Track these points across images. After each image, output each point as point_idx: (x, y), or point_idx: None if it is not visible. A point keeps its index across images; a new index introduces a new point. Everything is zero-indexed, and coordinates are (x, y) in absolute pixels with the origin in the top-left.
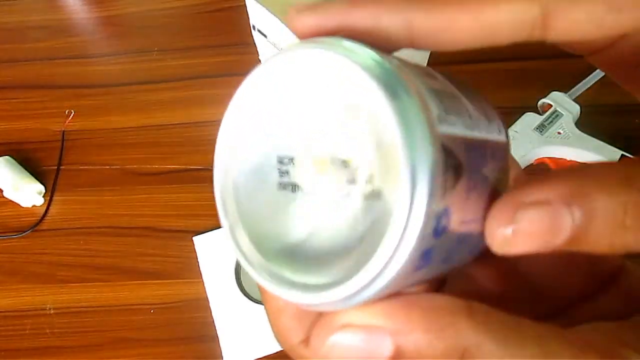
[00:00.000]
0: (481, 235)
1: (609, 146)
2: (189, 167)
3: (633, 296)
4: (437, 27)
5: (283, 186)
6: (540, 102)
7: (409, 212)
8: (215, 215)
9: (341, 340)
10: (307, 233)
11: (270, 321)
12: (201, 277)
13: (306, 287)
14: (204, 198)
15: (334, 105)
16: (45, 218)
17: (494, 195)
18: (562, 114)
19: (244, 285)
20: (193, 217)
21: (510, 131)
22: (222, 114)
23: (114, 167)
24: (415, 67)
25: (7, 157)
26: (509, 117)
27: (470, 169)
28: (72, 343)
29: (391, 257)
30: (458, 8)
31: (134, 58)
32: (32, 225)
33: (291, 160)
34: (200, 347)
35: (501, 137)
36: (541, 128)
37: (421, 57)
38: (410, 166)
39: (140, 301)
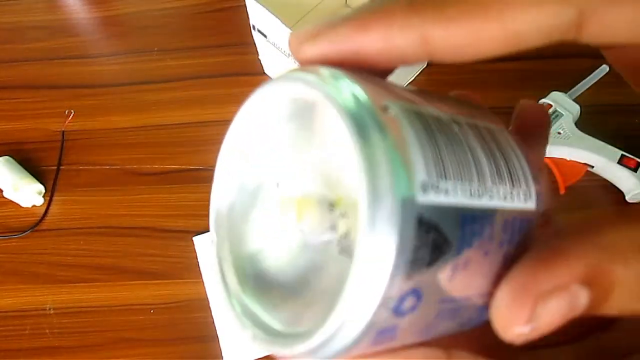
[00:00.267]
0: (480, 311)
1: (609, 146)
2: (189, 167)
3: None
4: (458, 42)
5: (271, 214)
6: (540, 102)
7: (361, 289)
8: None
9: None
10: (283, 266)
11: None
12: (201, 277)
13: (267, 331)
14: (204, 198)
15: (319, 142)
16: (45, 218)
17: (499, 271)
18: (562, 114)
19: None
20: (193, 217)
21: None
22: (222, 114)
23: (114, 167)
24: (429, 109)
25: (7, 157)
26: (509, 117)
27: (463, 245)
28: (72, 343)
29: (339, 329)
30: (480, 17)
31: (134, 58)
32: (32, 225)
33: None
34: (200, 347)
35: (527, 205)
36: None
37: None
38: (367, 240)
39: (140, 301)
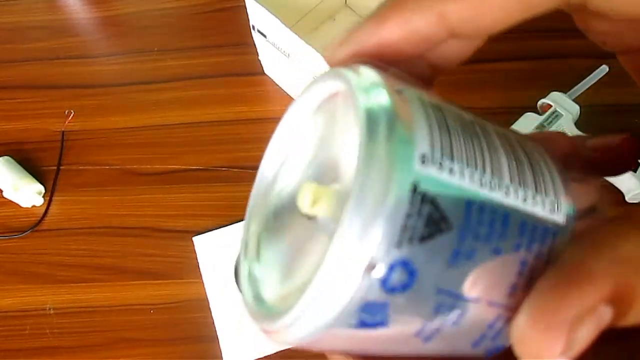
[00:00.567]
0: (491, 327)
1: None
2: (189, 167)
3: None
4: (473, 13)
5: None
6: (540, 102)
7: (348, 244)
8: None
9: None
10: (296, 248)
11: None
12: (201, 277)
13: (259, 302)
14: (204, 198)
15: (341, 128)
16: (45, 218)
17: (514, 280)
18: (562, 114)
19: None
20: (193, 217)
21: None
22: (222, 114)
23: (114, 167)
24: (450, 106)
25: (7, 157)
26: (509, 117)
27: (467, 232)
28: (72, 343)
29: (323, 294)
30: None
31: (134, 58)
32: (32, 225)
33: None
34: (200, 347)
35: (553, 217)
36: (541, 128)
37: None
38: (359, 194)
39: (140, 301)
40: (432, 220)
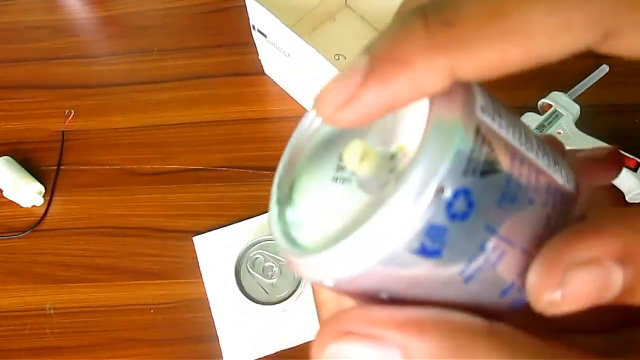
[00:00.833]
0: (518, 283)
1: (609, 146)
2: (189, 167)
3: None
4: (484, 68)
5: (336, 177)
6: (540, 102)
7: (420, 159)
8: (215, 215)
9: (341, 351)
10: (333, 200)
11: (317, 314)
12: (201, 277)
13: (290, 241)
14: (204, 198)
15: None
16: (45, 218)
17: (540, 233)
18: (562, 114)
19: (243, 285)
20: (193, 217)
21: None
22: (222, 114)
23: (114, 167)
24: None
25: (7, 157)
26: None
27: (511, 179)
28: (72, 343)
29: (396, 211)
30: (505, 45)
31: (134, 58)
32: (32, 225)
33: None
34: (200, 347)
35: (568, 185)
36: (541, 128)
37: None
38: (432, 124)
39: (140, 301)
40: (489, 160)
